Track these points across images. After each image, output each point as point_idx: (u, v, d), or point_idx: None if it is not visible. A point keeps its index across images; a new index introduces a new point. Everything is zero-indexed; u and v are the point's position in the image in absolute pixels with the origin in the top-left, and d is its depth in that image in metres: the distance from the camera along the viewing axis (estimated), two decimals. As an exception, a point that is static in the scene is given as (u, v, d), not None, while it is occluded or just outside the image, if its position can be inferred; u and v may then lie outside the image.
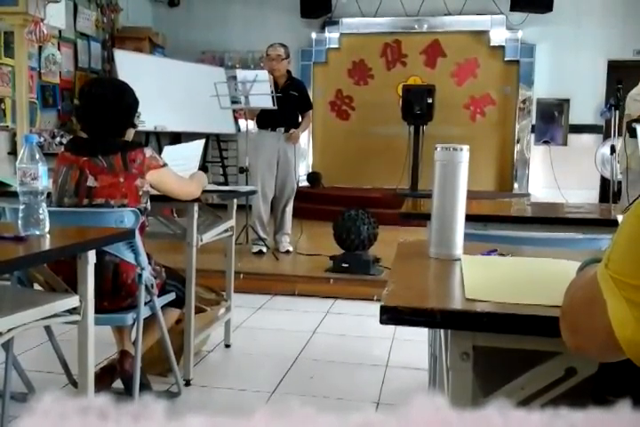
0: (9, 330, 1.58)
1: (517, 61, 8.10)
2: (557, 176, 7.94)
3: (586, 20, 7.83)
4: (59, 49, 6.91)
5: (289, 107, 4.96)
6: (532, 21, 7.87)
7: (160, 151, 2.65)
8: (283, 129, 5.04)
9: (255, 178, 5.06)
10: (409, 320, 1.04)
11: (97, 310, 1.85)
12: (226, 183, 7.84)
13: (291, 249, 5.18)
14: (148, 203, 2.32)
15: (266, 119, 5.06)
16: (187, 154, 2.88)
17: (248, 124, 5.41)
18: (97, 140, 2.27)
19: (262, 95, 4.83)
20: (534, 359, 1.05)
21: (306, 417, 0.23)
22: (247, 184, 5.12)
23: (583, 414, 0.23)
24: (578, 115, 8.03)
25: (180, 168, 2.54)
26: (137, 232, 2.10)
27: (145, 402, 0.23)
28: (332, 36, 8.51)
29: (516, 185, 8.27)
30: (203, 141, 3.06)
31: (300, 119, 5.20)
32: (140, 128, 3.25)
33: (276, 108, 4.80)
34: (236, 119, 7.64)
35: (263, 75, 4.89)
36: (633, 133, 4.44)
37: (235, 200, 3.08)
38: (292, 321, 3.64)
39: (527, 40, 8.04)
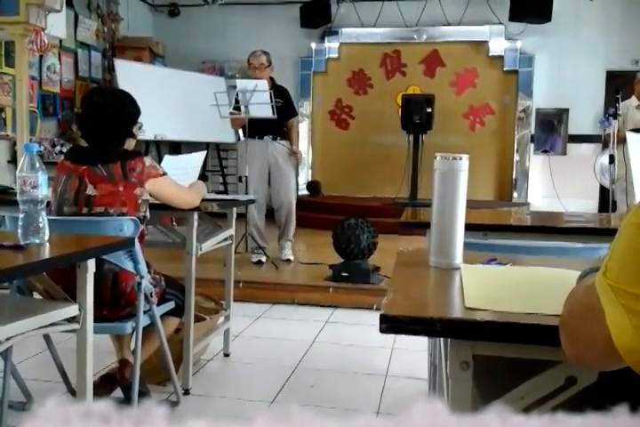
0: (8, 338, 1.57)
1: (516, 71, 8.14)
2: (557, 185, 7.95)
3: (584, 31, 7.87)
4: (59, 58, 6.93)
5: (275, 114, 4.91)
6: (530, 31, 7.91)
7: (160, 160, 2.65)
8: (270, 137, 5.03)
9: (249, 187, 5.05)
10: (409, 329, 1.04)
11: (96, 319, 1.85)
12: (225, 192, 7.85)
13: (292, 258, 5.15)
14: (148, 211, 2.33)
15: (253, 128, 5.04)
16: (187, 165, 2.87)
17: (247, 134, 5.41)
18: (97, 148, 2.28)
19: (262, 104, 4.83)
20: (534, 368, 1.05)
21: (306, 422, 0.23)
22: (246, 193, 5.12)
23: (581, 419, 0.23)
24: (577, 124, 8.05)
25: (179, 178, 2.54)
26: (136, 241, 2.10)
27: (146, 407, 0.24)
28: (331, 45, 8.55)
29: (515, 194, 8.29)
30: (204, 153, 3.06)
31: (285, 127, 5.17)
32: (140, 137, 3.25)
33: (275, 117, 4.79)
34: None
35: (262, 84, 4.89)
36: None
37: (234, 209, 3.08)
38: (292, 330, 3.63)
39: (526, 50, 8.08)
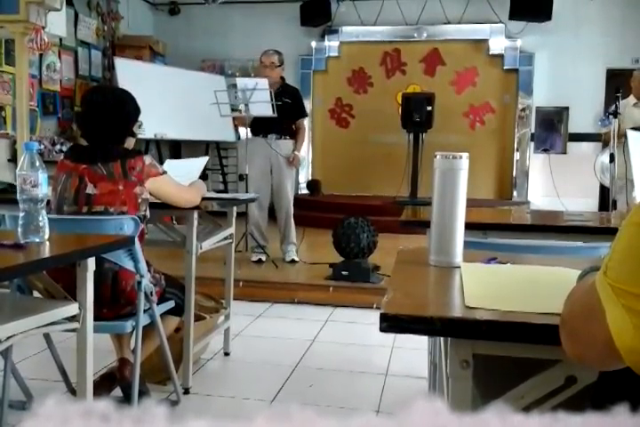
0: (8, 338, 1.57)
1: (516, 70, 8.13)
2: (557, 184, 7.95)
3: (585, 29, 7.87)
4: (59, 57, 6.93)
5: (281, 113, 4.88)
6: (530, 30, 7.91)
7: (160, 159, 2.65)
8: (274, 136, 5.02)
9: (250, 186, 5.05)
10: (409, 328, 1.04)
11: (96, 318, 1.85)
12: (226, 191, 7.84)
13: (296, 259, 5.09)
14: (148, 210, 2.33)
15: (258, 126, 5.04)
16: (188, 169, 2.87)
17: (248, 132, 5.41)
18: (97, 147, 2.28)
19: (262, 103, 4.83)
20: (534, 367, 1.05)
21: (307, 421, 0.23)
22: (247, 192, 5.11)
23: (581, 418, 0.23)
24: (577, 123, 8.05)
25: (179, 179, 2.54)
26: (136, 240, 2.10)
27: (146, 407, 0.24)
28: (331, 44, 8.55)
29: (515, 193, 8.29)
30: (206, 159, 3.07)
31: (293, 127, 5.16)
32: (140, 136, 3.26)
33: (275, 115, 4.79)
34: (235, 127, 7.66)
35: (263, 83, 4.88)
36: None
37: (234, 208, 3.07)
38: (292, 329, 3.63)
39: (526, 49, 8.07)
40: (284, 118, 4.96)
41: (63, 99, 7.10)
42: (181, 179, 2.57)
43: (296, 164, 5.10)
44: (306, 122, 5.37)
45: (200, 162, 3.01)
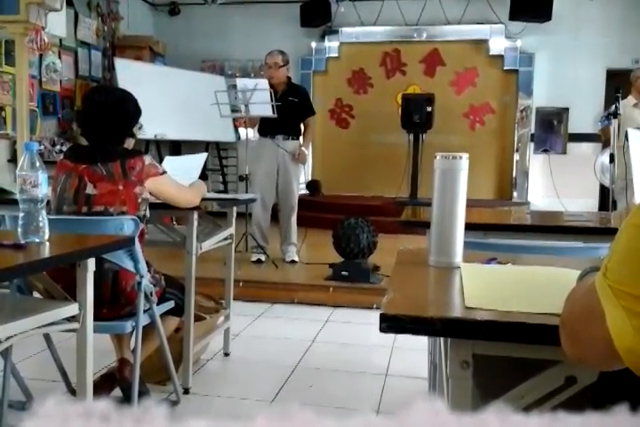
0: (8, 338, 1.57)
1: (516, 70, 8.14)
2: (557, 185, 7.95)
3: (585, 30, 7.87)
4: (59, 57, 6.93)
5: (288, 114, 4.89)
6: (530, 31, 7.91)
7: (160, 160, 2.65)
8: (281, 137, 5.02)
9: (255, 186, 5.05)
10: (409, 328, 1.04)
11: (96, 318, 1.85)
12: (225, 191, 7.85)
13: (296, 259, 5.10)
14: (147, 210, 2.33)
15: (265, 127, 5.04)
16: (187, 165, 2.87)
17: (248, 133, 5.41)
18: (96, 147, 2.28)
19: (262, 104, 4.83)
20: (534, 368, 1.05)
21: (306, 421, 0.23)
22: (247, 192, 5.11)
23: (581, 418, 0.23)
24: (577, 123, 8.05)
25: (179, 178, 2.54)
26: (136, 240, 2.10)
27: (146, 407, 0.24)
28: (331, 44, 8.56)
29: (515, 194, 8.29)
30: (205, 155, 3.06)
31: (301, 126, 5.17)
32: (140, 136, 3.26)
33: (275, 116, 4.79)
34: (235, 127, 7.66)
35: (263, 83, 4.89)
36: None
37: (234, 208, 3.08)
38: (292, 329, 3.63)
39: (526, 49, 8.07)
40: (292, 118, 4.97)
41: (63, 99, 7.11)
42: (181, 177, 2.57)
43: (301, 160, 5.10)
44: (314, 119, 5.36)
45: (199, 158, 3.01)
